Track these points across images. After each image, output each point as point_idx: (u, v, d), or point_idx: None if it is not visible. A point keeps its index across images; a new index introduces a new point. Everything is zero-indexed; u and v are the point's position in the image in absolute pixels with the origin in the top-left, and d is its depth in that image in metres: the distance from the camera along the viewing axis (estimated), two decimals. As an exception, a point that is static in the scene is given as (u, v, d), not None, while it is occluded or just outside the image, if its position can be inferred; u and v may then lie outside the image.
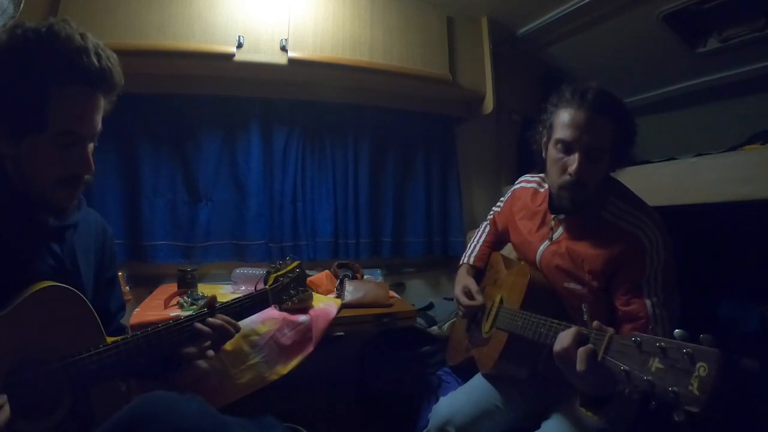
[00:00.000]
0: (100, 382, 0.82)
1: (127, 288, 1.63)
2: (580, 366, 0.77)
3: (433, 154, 2.33)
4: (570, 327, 0.86)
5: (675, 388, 0.60)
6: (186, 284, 1.54)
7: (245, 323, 1.31)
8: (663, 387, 0.61)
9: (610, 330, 0.78)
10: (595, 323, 0.80)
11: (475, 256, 1.45)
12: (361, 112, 2.17)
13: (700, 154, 1.45)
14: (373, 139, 2.20)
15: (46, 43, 0.74)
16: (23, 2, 1.32)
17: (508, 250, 1.62)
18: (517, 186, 1.38)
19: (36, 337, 0.77)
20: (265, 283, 1.12)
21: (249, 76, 1.86)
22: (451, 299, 2.13)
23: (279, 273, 1.13)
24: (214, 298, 1.00)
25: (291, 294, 1.13)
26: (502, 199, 1.48)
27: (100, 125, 0.82)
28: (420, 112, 2.27)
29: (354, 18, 1.84)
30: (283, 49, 1.70)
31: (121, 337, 0.86)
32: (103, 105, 0.81)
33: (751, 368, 0.59)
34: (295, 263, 1.17)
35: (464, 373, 1.53)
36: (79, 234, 0.92)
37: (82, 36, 0.77)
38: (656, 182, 1.42)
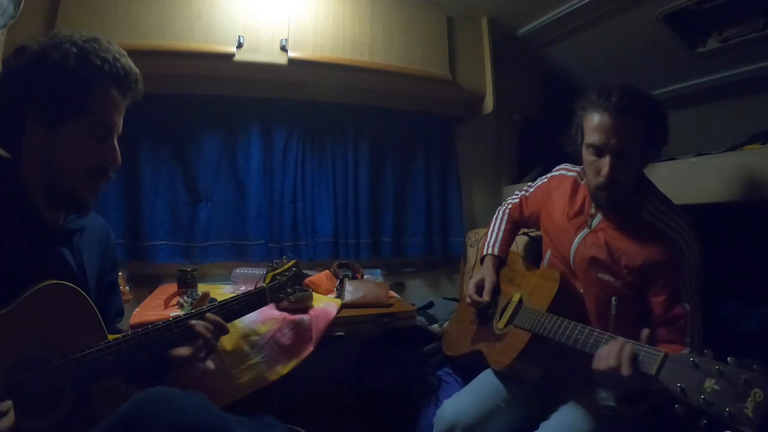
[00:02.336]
0: (101, 380, 0.82)
1: (127, 288, 1.63)
2: (625, 372, 0.79)
3: (433, 154, 2.33)
4: (614, 338, 0.87)
5: (731, 409, 0.64)
6: (186, 284, 1.54)
7: (245, 323, 1.32)
8: (720, 407, 0.66)
9: (645, 332, 0.81)
10: (644, 332, 0.82)
11: (499, 247, 1.43)
12: (361, 112, 2.17)
13: (700, 154, 1.45)
14: (373, 139, 2.20)
15: (90, 42, 0.81)
16: (23, 2, 1.32)
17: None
18: (556, 173, 1.35)
19: (38, 335, 0.78)
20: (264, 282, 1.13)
21: (249, 76, 1.86)
22: (452, 299, 2.14)
23: (276, 271, 1.14)
24: (206, 295, 1.00)
25: (288, 292, 1.15)
26: (530, 184, 1.45)
27: (121, 128, 0.88)
28: (420, 112, 2.27)
29: (354, 18, 1.85)
30: (283, 49, 1.70)
31: (122, 334, 0.86)
32: (124, 110, 0.88)
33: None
34: (292, 262, 1.19)
35: (464, 371, 1.53)
36: (86, 238, 0.94)
37: (118, 48, 0.85)
38: (656, 182, 1.42)
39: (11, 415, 0.68)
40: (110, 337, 0.85)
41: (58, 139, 0.80)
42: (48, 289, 0.79)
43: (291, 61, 1.71)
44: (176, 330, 0.91)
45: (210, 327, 0.94)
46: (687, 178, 1.39)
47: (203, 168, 1.90)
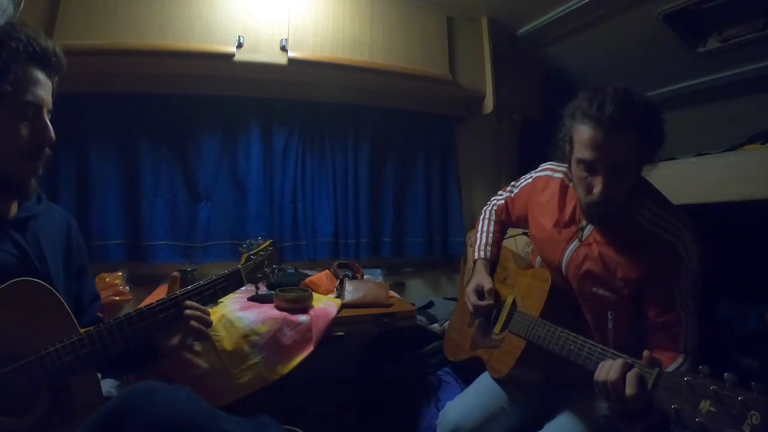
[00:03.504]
0: (77, 374, 0.82)
1: (127, 288, 1.63)
2: (630, 390, 0.77)
3: (433, 154, 2.33)
4: (607, 352, 0.86)
5: None
6: (186, 284, 1.53)
7: (245, 323, 1.32)
8: (716, 430, 0.64)
9: (658, 359, 0.78)
10: (645, 353, 0.79)
11: (490, 250, 1.38)
12: (361, 112, 2.17)
13: (700, 154, 1.45)
14: (373, 139, 2.20)
15: (2, 28, 0.82)
16: (23, 2, 1.32)
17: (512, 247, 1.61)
18: (541, 173, 1.26)
19: (8, 334, 0.78)
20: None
21: (249, 76, 1.86)
22: (452, 299, 2.14)
23: (251, 252, 1.13)
24: (176, 278, 0.99)
25: (266, 272, 1.13)
26: (514, 183, 1.39)
27: (51, 104, 0.88)
28: (420, 112, 2.27)
29: (354, 18, 1.85)
30: (283, 49, 1.71)
31: (94, 326, 0.86)
32: (52, 86, 0.88)
33: (753, 368, 0.60)
34: (268, 242, 1.17)
35: (464, 371, 1.53)
36: (43, 225, 0.94)
37: (32, 28, 0.85)
38: (656, 182, 1.42)
39: None
40: (82, 330, 0.85)
41: None
42: (14, 286, 0.79)
43: (291, 61, 1.71)
44: (150, 318, 0.91)
45: (190, 313, 0.94)
46: (687, 178, 1.39)
47: (203, 168, 1.90)
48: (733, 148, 1.45)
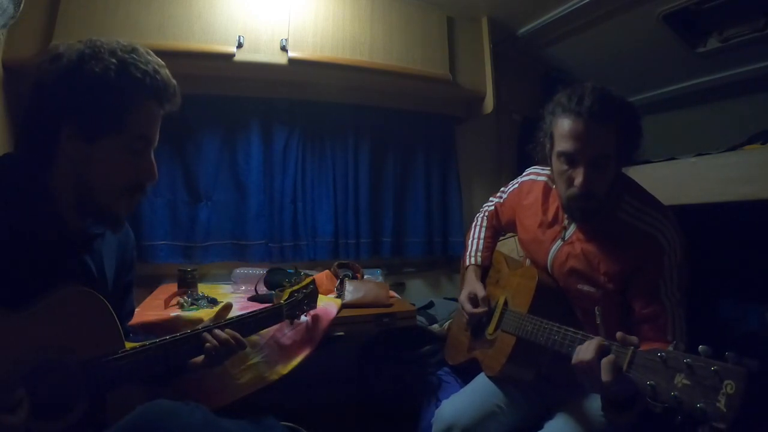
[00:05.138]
0: (116, 388, 0.81)
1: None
2: (605, 377, 0.77)
3: (433, 154, 2.33)
4: (588, 337, 0.86)
5: (702, 405, 0.61)
6: (186, 284, 1.54)
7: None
8: (691, 403, 0.63)
9: (633, 338, 0.78)
10: (619, 334, 0.79)
11: (481, 255, 1.40)
12: (361, 112, 2.17)
13: (700, 154, 1.45)
14: (373, 139, 2.20)
15: (130, 53, 0.79)
16: (23, 2, 1.32)
17: (507, 249, 1.61)
18: (526, 178, 1.31)
19: (57, 339, 0.76)
20: (280, 297, 1.13)
21: (249, 76, 1.86)
22: (452, 299, 2.14)
23: (294, 288, 1.13)
24: (229, 306, 1.00)
25: (304, 309, 1.14)
26: (503, 189, 1.42)
27: (156, 141, 0.86)
28: (420, 112, 2.27)
29: (354, 18, 1.84)
30: (283, 49, 1.71)
31: (140, 344, 0.86)
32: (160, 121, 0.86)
33: (753, 368, 0.60)
34: (310, 279, 1.18)
35: (464, 373, 1.53)
36: (106, 239, 0.93)
37: (157, 59, 0.83)
38: (656, 182, 1.42)
39: (25, 406, 0.67)
40: (128, 345, 0.84)
41: (95, 154, 0.78)
42: (69, 293, 0.78)
43: (291, 61, 1.71)
44: (195, 343, 0.91)
45: (229, 341, 0.94)
46: (687, 178, 1.40)
47: (203, 168, 1.90)
48: (733, 148, 1.45)
